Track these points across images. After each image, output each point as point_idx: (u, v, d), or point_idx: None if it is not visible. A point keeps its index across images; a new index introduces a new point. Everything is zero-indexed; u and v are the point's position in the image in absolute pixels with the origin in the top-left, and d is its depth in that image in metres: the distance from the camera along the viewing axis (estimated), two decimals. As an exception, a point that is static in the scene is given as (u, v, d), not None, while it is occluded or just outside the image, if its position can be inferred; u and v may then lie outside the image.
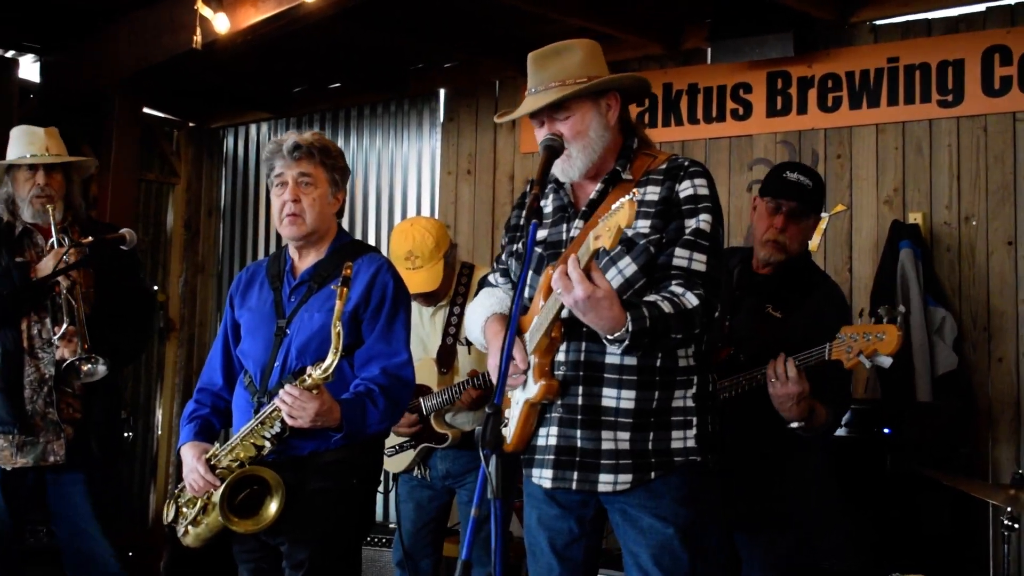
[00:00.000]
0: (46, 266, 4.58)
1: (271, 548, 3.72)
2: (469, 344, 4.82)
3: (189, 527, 3.77)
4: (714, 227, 3.27)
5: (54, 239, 4.67)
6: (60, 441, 4.60)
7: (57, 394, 4.62)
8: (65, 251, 4.59)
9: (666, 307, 3.11)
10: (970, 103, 5.79)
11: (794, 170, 4.19)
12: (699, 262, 3.22)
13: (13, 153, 4.82)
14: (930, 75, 5.90)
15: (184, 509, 3.80)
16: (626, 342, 3.07)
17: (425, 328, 4.98)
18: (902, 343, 3.64)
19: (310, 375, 3.53)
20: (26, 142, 4.81)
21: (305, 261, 3.85)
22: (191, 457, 3.71)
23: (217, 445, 3.72)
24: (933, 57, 5.89)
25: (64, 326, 4.58)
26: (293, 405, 3.51)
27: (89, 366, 4.54)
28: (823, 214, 6.17)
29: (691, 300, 3.16)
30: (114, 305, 4.73)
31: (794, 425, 3.83)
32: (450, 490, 5.05)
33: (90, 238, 4.61)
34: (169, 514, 3.87)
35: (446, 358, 4.96)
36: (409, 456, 4.95)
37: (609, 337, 3.09)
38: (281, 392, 3.55)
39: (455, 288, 5.01)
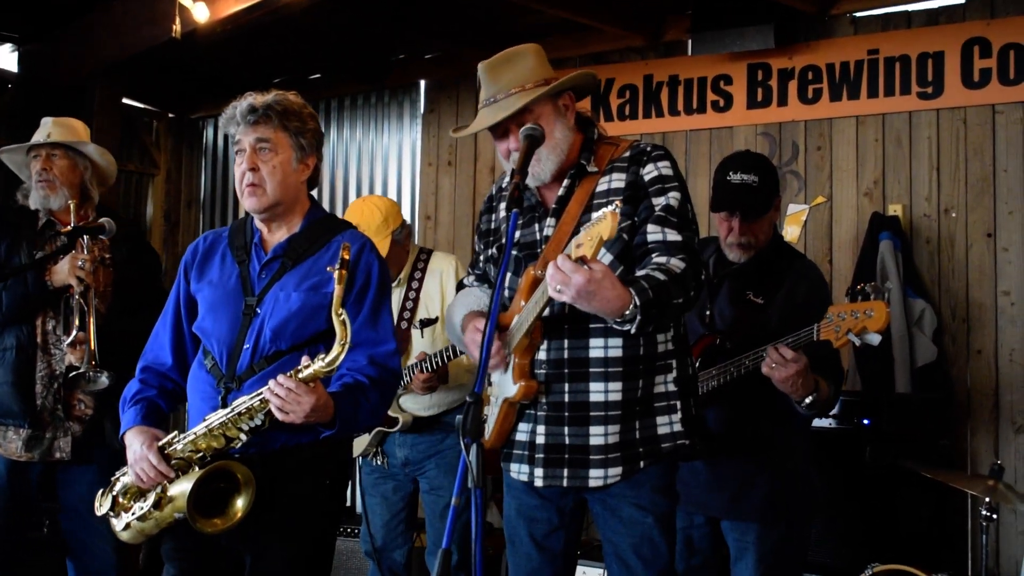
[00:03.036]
0: (61, 269, 4.50)
1: (204, 549, 3.37)
2: (423, 327, 4.78)
3: (134, 522, 3.37)
4: (682, 203, 3.26)
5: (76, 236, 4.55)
6: (67, 438, 4.56)
7: (67, 391, 4.58)
8: (82, 256, 4.49)
9: (659, 275, 3.09)
10: (950, 95, 5.81)
11: (736, 169, 4.05)
12: (672, 234, 3.21)
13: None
14: (910, 67, 5.91)
15: (122, 500, 3.43)
16: (638, 318, 3.01)
17: None
18: (890, 320, 3.62)
19: (307, 366, 3.15)
20: (39, 131, 4.79)
21: (276, 235, 3.47)
22: (139, 444, 3.31)
23: (175, 433, 3.35)
24: (913, 49, 5.90)
25: (74, 332, 4.50)
26: (287, 399, 3.12)
27: (92, 374, 4.48)
28: (804, 205, 6.19)
29: (678, 264, 3.15)
30: (132, 304, 4.67)
31: (807, 401, 3.80)
32: (413, 479, 5.00)
33: (69, 227, 4.54)
34: (103, 505, 3.47)
35: (399, 341, 4.93)
36: (364, 440, 4.91)
37: (618, 319, 3.04)
38: (272, 383, 3.15)
39: (411, 272, 4.96)
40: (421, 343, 4.86)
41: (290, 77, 8.06)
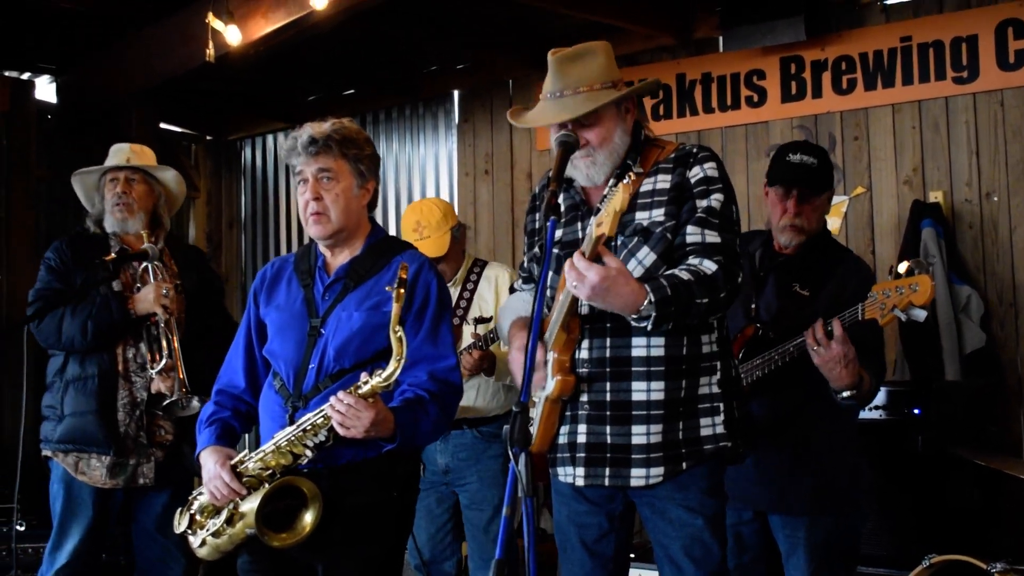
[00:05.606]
0: (146, 298, 4.58)
1: (277, 561, 3.46)
2: (476, 323, 4.86)
3: (209, 538, 3.50)
4: (725, 205, 3.28)
5: (148, 264, 4.65)
6: (151, 464, 4.63)
7: (148, 418, 4.64)
8: (166, 284, 4.59)
9: (684, 275, 3.12)
10: (985, 78, 5.77)
11: (796, 151, 4.13)
12: (712, 236, 3.23)
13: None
14: (944, 52, 5.88)
15: (199, 517, 3.55)
16: (653, 315, 3.04)
17: None
18: (935, 293, 3.59)
19: (366, 382, 3.24)
20: (114, 155, 4.87)
21: (339, 258, 3.58)
22: (213, 463, 3.44)
23: (246, 451, 3.45)
24: (946, 34, 5.86)
25: (163, 361, 4.58)
26: (347, 414, 3.21)
27: (184, 400, 4.56)
28: (844, 196, 6.16)
29: (710, 266, 3.16)
30: (204, 332, 4.76)
31: (845, 394, 3.79)
32: (455, 491, 5.03)
33: (113, 255, 4.59)
34: (181, 523, 3.60)
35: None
36: None
37: (634, 316, 3.08)
38: (333, 400, 3.24)
39: (466, 276, 5.08)
40: (473, 339, 4.92)
41: (324, 94, 8.12)
